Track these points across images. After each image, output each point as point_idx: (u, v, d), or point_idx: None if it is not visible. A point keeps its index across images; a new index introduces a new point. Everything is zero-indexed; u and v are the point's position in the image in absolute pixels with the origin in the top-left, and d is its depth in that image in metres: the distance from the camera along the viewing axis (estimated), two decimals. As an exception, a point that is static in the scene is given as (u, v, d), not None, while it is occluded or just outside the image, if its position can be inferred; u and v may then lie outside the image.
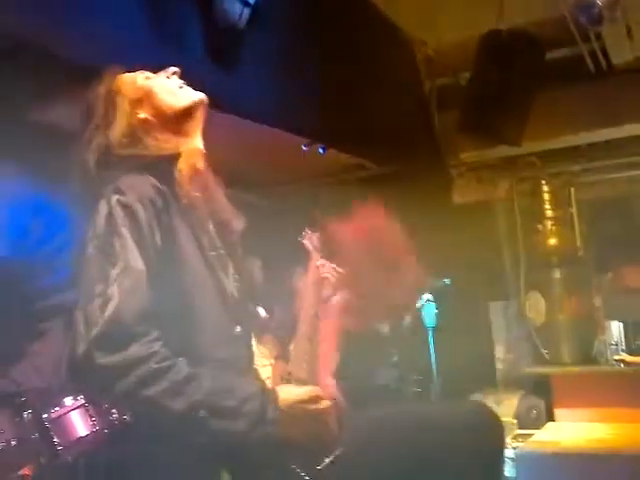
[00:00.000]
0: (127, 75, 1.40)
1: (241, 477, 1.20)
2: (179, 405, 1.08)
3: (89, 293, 1.11)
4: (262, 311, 1.46)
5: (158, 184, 1.24)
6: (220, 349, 1.24)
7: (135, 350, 1.08)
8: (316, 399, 1.23)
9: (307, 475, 1.20)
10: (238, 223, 1.41)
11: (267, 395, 1.18)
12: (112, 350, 1.07)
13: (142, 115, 1.34)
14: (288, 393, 1.21)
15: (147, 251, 1.17)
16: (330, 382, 2.03)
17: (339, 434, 1.27)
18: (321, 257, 1.79)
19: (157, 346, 1.11)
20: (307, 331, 1.53)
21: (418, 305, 3.44)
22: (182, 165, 1.32)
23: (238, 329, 1.29)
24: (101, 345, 1.07)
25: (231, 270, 1.33)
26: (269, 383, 1.40)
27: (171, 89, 1.38)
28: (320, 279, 1.73)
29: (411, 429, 1.78)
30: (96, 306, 1.09)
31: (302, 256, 1.85)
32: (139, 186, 1.22)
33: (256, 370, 1.37)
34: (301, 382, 1.43)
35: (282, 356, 1.42)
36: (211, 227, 1.34)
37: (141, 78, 1.39)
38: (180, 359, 1.13)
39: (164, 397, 1.08)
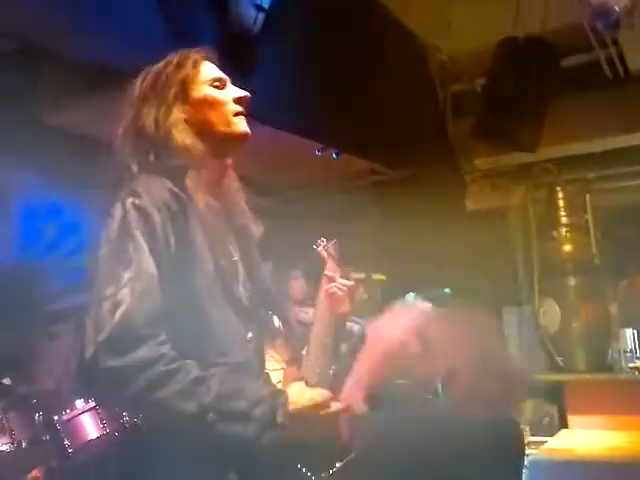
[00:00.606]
0: (207, 72, 1.36)
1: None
2: (188, 407, 1.07)
3: (100, 296, 1.11)
4: (275, 318, 1.45)
5: (174, 188, 1.23)
6: (231, 353, 1.23)
7: (143, 353, 1.07)
8: (326, 402, 1.21)
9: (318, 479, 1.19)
10: (257, 229, 1.40)
11: (277, 398, 1.16)
12: (120, 353, 1.06)
13: (182, 115, 1.31)
14: (299, 396, 1.19)
15: (160, 255, 1.16)
16: (356, 394, 2.01)
17: (350, 439, 1.26)
18: (336, 266, 1.77)
19: (165, 349, 1.10)
20: (320, 337, 1.52)
21: None
22: (200, 173, 1.30)
23: (250, 335, 1.28)
24: (109, 348, 1.06)
25: (242, 277, 1.32)
26: (280, 387, 1.39)
27: (227, 113, 1.34)
28: (331, 292, 1.72)
29: (426, 437, 1.77)
30: (106, 309, 1.09)
31: (317, 263, 1.85)
32: (155, 189, 1.21)
33: (267, 374, 1.36)
34: (313, 387, 1.41)
35: (294, 361, 1.40)
36: (228, 232, 1.33)
37: (211, 85, 1.35)
38: (189, 361, 1.12)
39: (173, 399, 1.07)
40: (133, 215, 1.16)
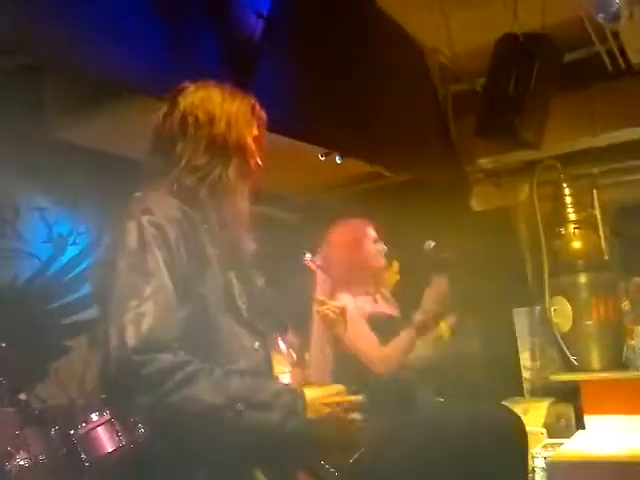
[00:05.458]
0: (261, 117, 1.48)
1: (274, 475, 1.23)
2: (218, 399, 1.13)
3: (122, 308, 1.14)
4: (276, 326, 1.50)
5: (183, 206, 1.29)
6: (240, 361, 1.29)
7: (172, 358, 1.12)
8: (341, 394, 1.28)
9: (336, 471, 1.25)
10: (251, 244, 1.44)
11: (295, 391, 1.24)
12: (151, 359, 1.10)
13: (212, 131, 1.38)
14: (315, 391, 1.27)
15: (175, 270, 1.21)
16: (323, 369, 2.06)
17: (362, 433, 1.33)
18: (324, 277, 1.84)
19: (188, 357, 1.16)
20: (320, 341, 1.57)
21: None
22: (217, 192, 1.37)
23: (257, 344, 1.35)
24: (139, 355, 1.10)
25: (238, 292, 1.37)
26: None
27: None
28: (323, 314, 1.77)
29: (432, 432, 1.80)
30: (131, 320, 1.12)
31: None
32: (166, 207, 1.27)
33: (277, 378, 1.46)
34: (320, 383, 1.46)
35: (299, 364, 1.45)
36: (227, 247, 1.37)
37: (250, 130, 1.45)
38: (211, 365, 1.18)
39: (204, 394, 1.12)
40: (150, 231, 1.21)
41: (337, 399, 1.26)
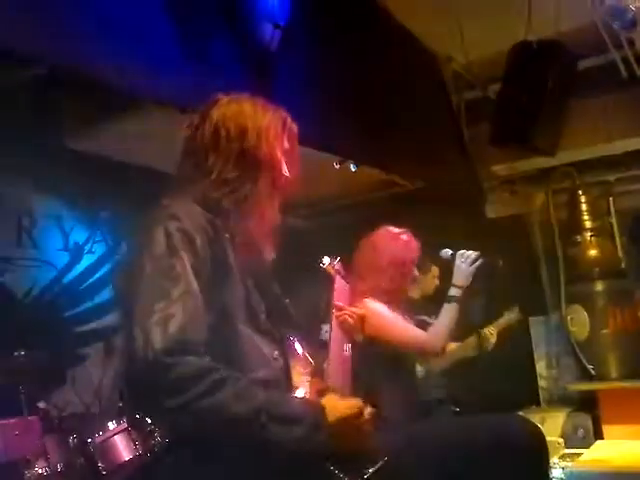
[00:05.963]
0: (293, 131, 1.47)
1: None
2: (242, 410, 1.11)
3: (149, 310, 1.12)
4: (294, 335, 1.50)
5: (208, 214, 1.29)
6: (260, 370, 1.28)
7: (200, 363, 1.11)
8: (361, 410, 1.26)
9: None
10: (269, 254, 1.44)
11: (317, 407, 1.22)
12: (179, 362, 1.08)
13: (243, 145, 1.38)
14: (334, 405, 1.25)
15: (202, 276, 1.20)
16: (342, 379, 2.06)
17: (380, 445, 1.31)
18: (343, 281, 1.83)
19: (214, 363, 1.14)
20: (338, 349, 1.56)
21: None
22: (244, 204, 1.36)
23: (276, 353, 1.34)
24: (168, 356, 1.08)
25: (257, 300, 1.37)
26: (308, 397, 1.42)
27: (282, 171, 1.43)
28: (341, 319, 1.77)
29: (450, 445, 1.78)
30: (158, 322, 1.11)
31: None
32: (192, 214, 1.27)
33: (296, 387, 1.43)
34: (339, 395, 1.45)
35: (317, 372, 1.44)
36: (247, 256, 1.38)
37: (281, 146, 1.44)
38: (235, 373, 1.17)
39: (228, 403, 1.10)
40: (177, 237, 1.21)
41: (355, 414, 1.25)
